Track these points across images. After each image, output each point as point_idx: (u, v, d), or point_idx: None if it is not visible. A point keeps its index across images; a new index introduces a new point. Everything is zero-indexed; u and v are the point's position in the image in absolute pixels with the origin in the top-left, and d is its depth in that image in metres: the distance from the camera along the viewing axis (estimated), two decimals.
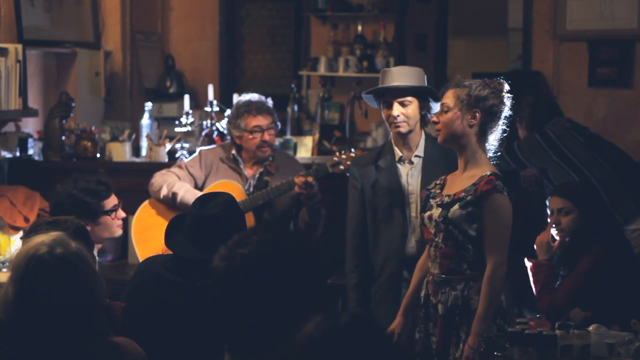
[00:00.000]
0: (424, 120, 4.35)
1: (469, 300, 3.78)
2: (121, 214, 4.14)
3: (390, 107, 4.27)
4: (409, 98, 4.26)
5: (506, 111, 3.85)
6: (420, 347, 3.91)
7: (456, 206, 3.77)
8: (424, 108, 4.30)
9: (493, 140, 3.87)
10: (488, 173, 3.79)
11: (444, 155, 4.28)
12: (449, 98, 3.85)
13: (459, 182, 3.86)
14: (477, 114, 3.80)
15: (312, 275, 2.29)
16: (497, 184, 3.76)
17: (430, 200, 3.89)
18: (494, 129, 3.85)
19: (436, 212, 3.82)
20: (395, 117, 4.25)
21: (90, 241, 3.46)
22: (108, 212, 4.08)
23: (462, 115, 3.81)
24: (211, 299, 2.30)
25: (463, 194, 3.79)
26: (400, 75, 4.28)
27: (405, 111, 4.26)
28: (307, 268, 2.29)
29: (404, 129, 4.28)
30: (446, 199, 3.82)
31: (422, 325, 3.91)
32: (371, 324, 2.02)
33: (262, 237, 2.29)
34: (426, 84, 4.32)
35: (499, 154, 3.93)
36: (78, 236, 3.10)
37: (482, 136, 3.84)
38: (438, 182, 3.96)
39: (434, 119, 3.88)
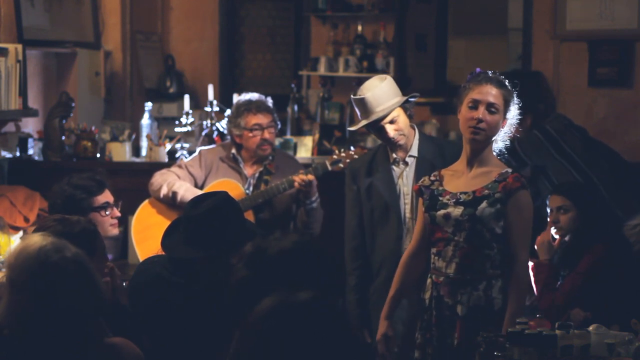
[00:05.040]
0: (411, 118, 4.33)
1: (492, 300, 3.70)
2: (115, 213, 4.04)
3: (382, 130, 4.24)
4: (395, 114, 4.23)
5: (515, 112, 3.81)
6: (431, 349, 3.78)
7: (484, 204, 3.67)
8: (409, 109, 4.29)
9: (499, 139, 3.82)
10: (510, 170, 3.75)
11: (439, 152, 4.27)
12: (498, 98, 3.74)
13: (467, 179, 3.78)
14: (506, 120, 3.77)
15: (329, 277, 2.49)
16: (523, 181, 3.73)
17: (440, 198, 3.77)
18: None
19: (457, 210, 3.71)
20: (392, 137, 4.24)
21: (98, 243, 3.31)
22: (97, 209, 3.99)
23: (502, 119, 3.75)
24: (233, 279, 2.47)
25: (486, 191, 3.70)
26: (378, 99, 4.22)
27: (397, 127, 4.24)
28: (328, 271, 2.50)
29: (402, 141, 4.27)
30: (464, 197, 3.72)
31: (433, 329, 3.77)
32: (330, 304, 2.14)
33: (299, 238, 2.53)
34: (399, 91, 4.28)
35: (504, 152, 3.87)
36: (83, 237, 3.08)
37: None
38: (432, 178, 3.85)
39: (476, 115, 3.71)
